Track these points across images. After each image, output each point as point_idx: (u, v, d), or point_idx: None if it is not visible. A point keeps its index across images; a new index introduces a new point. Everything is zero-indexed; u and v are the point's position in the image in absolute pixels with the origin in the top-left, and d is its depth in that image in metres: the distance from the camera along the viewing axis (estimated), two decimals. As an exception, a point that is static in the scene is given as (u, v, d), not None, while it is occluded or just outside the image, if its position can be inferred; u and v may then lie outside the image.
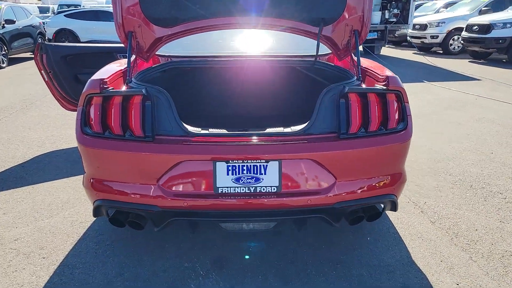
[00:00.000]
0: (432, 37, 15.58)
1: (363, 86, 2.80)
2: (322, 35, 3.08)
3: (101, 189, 2.62)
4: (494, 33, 12.87)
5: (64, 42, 17.24)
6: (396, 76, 2.72)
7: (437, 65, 13.02)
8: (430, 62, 13.69)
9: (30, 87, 9.71)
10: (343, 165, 2.52)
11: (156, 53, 3.22)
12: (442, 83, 9.89)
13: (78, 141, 2.56)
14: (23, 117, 7.12)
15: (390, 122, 2.61)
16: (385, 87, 2.62)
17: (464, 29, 14.10)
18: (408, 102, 2.69)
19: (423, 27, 15.83)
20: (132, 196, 2.55)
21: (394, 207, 2.78)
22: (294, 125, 2.65)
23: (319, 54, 3.38)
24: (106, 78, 2.70)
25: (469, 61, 13.92)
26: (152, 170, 2.48)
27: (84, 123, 2.56)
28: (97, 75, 2.80)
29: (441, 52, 16.29)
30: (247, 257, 3.07)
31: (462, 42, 14.36)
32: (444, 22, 15.37)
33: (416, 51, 17.03)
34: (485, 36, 13.01)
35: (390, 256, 3.08)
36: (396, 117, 2.64)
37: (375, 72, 2.90)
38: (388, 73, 2.83)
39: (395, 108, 2.64)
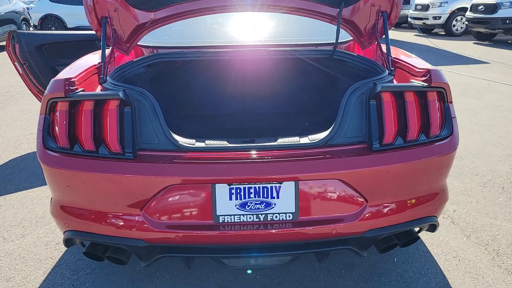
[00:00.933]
0: (435, 17, 14.95)
1: (395, 82, 2.25)
2: (342, 18, 2.52)
3: (71, 218, 2.08)
4: (501, 13, 12.28)
5: (50, 28, 16.42)
6: (438, 69, 2.17)
7: (441, 48, 12.44)
8: (434, 45, 13.10)
9: (11, 78, 9.05)
10: (377, 185, 2.00)
11: (138, 43, 2.64)
12: (450, 67, 9.34)
13: (39, 159, 2.01)
14: (0, 112, 6.51)
15: (432, 127, 2.08)
16: (426, 84, 2.08)
17: (469, 9, 13.49)
18: (452, 102, 2.16)
19: (425, 7, 15.18)
20: (110, 227, 2.02)
21: (433, 229, 2.27)
22: (311, 134, 2.11)
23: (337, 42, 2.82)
24: (74, 77, 2.13)
25: (473, 43, 13.35)
26: (134, 195, 1.95)
27: (47, 135, 2.00)
28: (63, 74, 2.24)
29: (443, 33, 15.68)
30: (254, 288, 2.56)
31: (466, 23, 13.77)
32: (447, 2, 14.72)
33: (417, 33, 16.40)
34: (491, 16, 12.42)
35: (424, 284, 2.59)
36: (439, 121, 2.11)
37: (409, 64, 2.35)
38: (427, 65, 2.28)
39: (438, 109, 2.11)
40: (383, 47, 2.52)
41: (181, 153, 1.99)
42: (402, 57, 2.50)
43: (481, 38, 13.85)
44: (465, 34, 15.09)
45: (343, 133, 2.05)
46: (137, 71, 2.50)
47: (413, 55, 2.58)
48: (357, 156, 1.99)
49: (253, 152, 1.99)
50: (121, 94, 1.95)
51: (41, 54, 4.61)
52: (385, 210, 2.06)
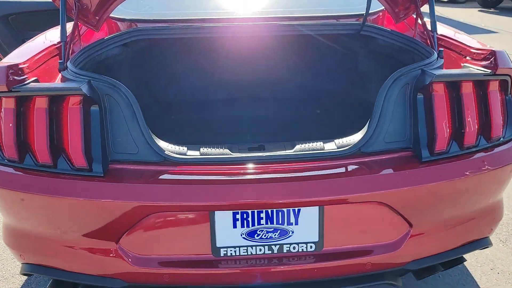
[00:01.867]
0: (438, -17, 14.19)
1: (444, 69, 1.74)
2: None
3: (28, 249, 1.60)
4: (509, -22, 11.62)
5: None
6: (503, 50, 1.67)
7: (446, 16, 11.80)
8: (439, 13, 12.43)
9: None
10: (425, 205, 1.54)
11: (111, 15, 2.09)
12: (458, 38, 8.76)
13: None
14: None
15: (494, 127, 1.60)
16: (490, 71, 1.58)
17: (475, -27, 12.76)
18: (512, 93, 1.68)
19: (428, -28, 14.38)
20: (78, 263, 1.55)
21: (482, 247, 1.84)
22: (337, 136, 1.62)
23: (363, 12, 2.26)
24: (24, 63, 1.61)
25: (478, 10, 12.70)
26: (107, 224, 1.47)
27: (-11, 142, 1.50)
28: (9, 58, 1.70)
29: (445, 0, 14.97)
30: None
31: (471, -12, 13.07)
32: (451, -34, 13.95)
33: (418, 0, 15.64)
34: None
35: (463, 305, 2.17)
36: (501, 118, 1.63)
37: (461, 43, 1.85)
38: (486, 45, 1.78)
39: (500, 103, 1.62)
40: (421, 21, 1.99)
41: (169, 166, 1.50)
42: (448, 33, 1.98)
43: (486, 5, 13.17)
44: (469, 1, 14.39)
45: (381, 137, 1.56)
46: (109, 52, 1.95)
47: (461, 31, 2.06)
48: (401, 169, 1.52)
49: (263, 164, 1.50)
50: (84, 88, 1.43)
51: (7, 25, 4.00)
52: (433, 235, 1.61)
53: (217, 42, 2.31)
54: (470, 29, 9.74)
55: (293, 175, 1.47)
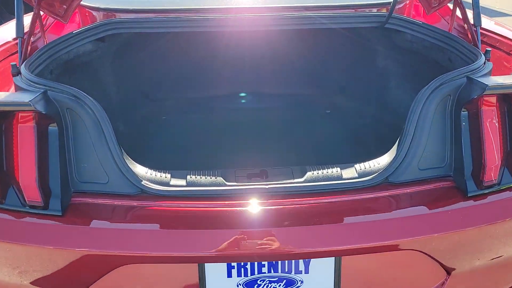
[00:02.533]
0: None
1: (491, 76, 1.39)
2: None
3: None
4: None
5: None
6: None
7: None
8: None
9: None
10: (470, 249, 1.23)
11: (83, 3, 1.72)
12: (472, 21, 8.31)
13: None
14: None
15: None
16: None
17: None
18: None
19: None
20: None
21: None
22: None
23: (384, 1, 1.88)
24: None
25: (491, -8, 12.14)
26: (67, 277, 1.16)
27: None
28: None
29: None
30: None
31: (484, -32, 12.46)
32: None
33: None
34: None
35: None
36: None
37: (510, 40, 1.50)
38: None
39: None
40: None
41: (147, 201, 1.19)
42: (491, 27, 1.63)
43: (499, -14, 12.60)
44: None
45: (415, 163, 1.24)
46: (81, 49, 1.61)
47: (505, 24, 1.71)
48: (441, 206, 1.20)
49: (267, 200, 1.18)
50: (36, 102, 1.11)
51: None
52: (474, 283, 1.31)
53: (215, 38, 1.96)
54: (483, 12, 9.27)
55: (303, 216, 1.15)
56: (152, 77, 2.33)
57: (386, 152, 1.31)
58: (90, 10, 1.81)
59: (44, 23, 1.66)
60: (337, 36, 2.15)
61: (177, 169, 1.76)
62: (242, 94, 2.61)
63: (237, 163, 1.81)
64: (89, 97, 1.22)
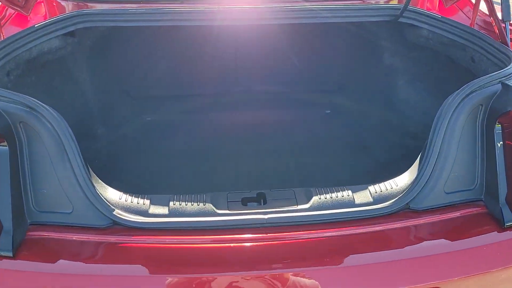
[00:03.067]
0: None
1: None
2: None
3: None
4: None
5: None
6: None
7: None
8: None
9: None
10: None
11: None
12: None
13: None
14: None
15: None
16: None
17: None
18: None
19: None
20: None
21: None
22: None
23: None
24: None
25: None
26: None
27: None
28: None
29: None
30: None
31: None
32: None
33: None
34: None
35: None
36: None
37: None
38: None
39: None
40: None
41: (120, 235, 0.98)
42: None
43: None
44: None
45: (440, 185, 1.05)
46: (45, 46, 1.36)
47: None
48: (473, 235, 1.01)
49: (265, 234, 0.98)
50: None
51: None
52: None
53: (200, 30, 1.73)
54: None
55: (310, 255, 0.95)
56: (133, 74, 2.10)
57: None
58: (58, 0, 1.57)
59: (2, 14, 1.42)
60: (340, 30, 1.94)
61: (159, 185, 1.55)
62: (233, 92, 2.40)
63: (229, 178, 1.60)
64: (48, 107, 1.00)
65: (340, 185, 1.10)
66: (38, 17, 1.54)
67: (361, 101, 2.20)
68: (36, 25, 1.31)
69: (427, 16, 1.42)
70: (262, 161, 1.72)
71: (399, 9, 1.44)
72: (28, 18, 1.52)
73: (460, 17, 1.61)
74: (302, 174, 1.60)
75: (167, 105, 2.21)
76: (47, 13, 1.57)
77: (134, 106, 2.20)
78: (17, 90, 1.45)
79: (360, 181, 1.57)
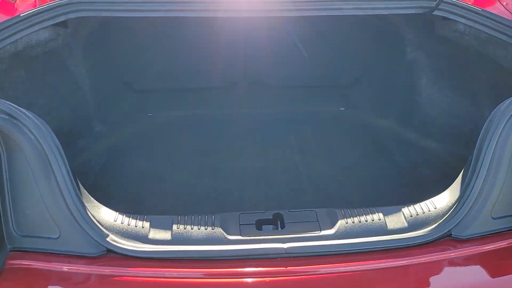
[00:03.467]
0: None
1: None
2: None
3: None
4: None
5: None
6: None
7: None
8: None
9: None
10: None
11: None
12: None
13: None
14: None
15: None
16: None
17: None
18: None
19: None
20: None
21: None
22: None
23: None
24: None
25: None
26: None
27: None
28: None
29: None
30: None
31: None
32: None
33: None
34: None
35: None
36: None
37: None
38: None
39: None
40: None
41: (114, 266, 0.83)
42: None
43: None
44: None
45: (487, 210, 0.90)
46: (33, 38, 1.20)
47: None
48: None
49: (284, 267, 0.83)
50: None
51: None
52: None
53: (206, 20, 1.56)
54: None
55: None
56: (135, 66, 1.95)
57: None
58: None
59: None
60: (357, 21, 1.76)
61: (160, 190, 1.39)
62: (241, 86, 2.23)
63: (236, 183, 1.44)
64: (30, 114, 0.86)
65: (360, 195, 0.96)
66: (27, 5, 1.38)
67: (378, 98, 2.04)
68: (22, 15, 1.15)
69: (465, 8, 1.25)
70: (272, 165, 1.57)
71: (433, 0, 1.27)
72: (15, 6, 1.36)
73: (499, 10, 1.43)
74: (316, 181, 1.44)
75: (170, 99, 2.06)
76: (36, 0, 1.40)
77: (135, 101, 2.04)
78: (4, 87, 1.31)
79: (381, 189, 1.43)
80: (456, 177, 1.49)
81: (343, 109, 2.04)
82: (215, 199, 1.36)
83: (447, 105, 1.70)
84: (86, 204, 0.87)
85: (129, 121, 1.89)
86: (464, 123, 1.65)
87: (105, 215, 0.90)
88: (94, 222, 0.84)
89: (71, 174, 0.86)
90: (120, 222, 0.88)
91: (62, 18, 1.20)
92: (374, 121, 1.93)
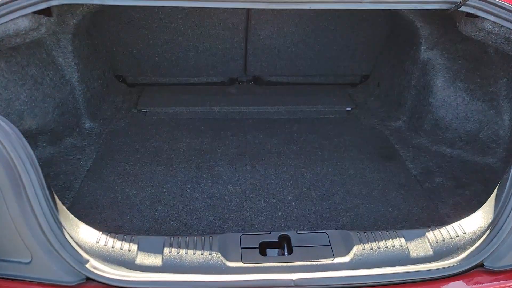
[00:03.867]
0: None
1: None
2: None
3: None
4: None
5: None
6: None
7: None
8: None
9: None
10: None
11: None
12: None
13: None
14: None
15: None
16: None
17: None
18: None
19: None
20: None
21: None
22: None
23: None
24: None
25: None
26: None
27: None
28: None
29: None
30: None
31: None
32: None
33: None
34: None
35: None
36: None
37: None
38: None
39: None
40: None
41: None
42: None
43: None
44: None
45: None
46: (10, 27, 1.05)
47: None
48: None
49: None
50: None
51: None
52: None
53: (207, 13, 1.43)
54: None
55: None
56: (128, 58, 1.81)
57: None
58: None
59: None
60: (367, 14, 1.64)
61: (152, 201, 1.26)
62: (241, 82, 2.11)
63: (235, 192, 1.31)
64: (15, 129, 0.73)
65: (368, 205, 0.84)
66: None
67: (387, 99, 1.92)
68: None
69: (497, 5, 1.13)
70: (273, 169, 1.44)
71: (460, -6, 1.14)
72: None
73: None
74: (321, 189, 1.33)
75: (165, 95, 1.93)
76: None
77: (128, 96, 1.91)
78: None
79: (391, 199, 1.31)
80: (472, 187, 1.38)
81: (350, 109, 1.91)
82: (212, 207, 1.23)
83: (463, 109, 1.59)
84: (63, 223, 0.75)
85: (121, 117, 1.76)
86: (481, 128, 1.54)
87: (85, 235, 0.77)
88: (71, 245, 0.72)
89: (46, 188, 0.74)
90: (103, 244, 0.76)
91: (43, 5, 1.07)
92: (383, 123, 1.80)
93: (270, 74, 2.03)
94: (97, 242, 0.77)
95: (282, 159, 1.50)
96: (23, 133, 0.71)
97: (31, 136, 1.41)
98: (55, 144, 1.51)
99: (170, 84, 2.01)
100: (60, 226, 0.73)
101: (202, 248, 0.78)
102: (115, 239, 0.78)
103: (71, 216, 0.79)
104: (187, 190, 1.32)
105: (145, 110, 1.82)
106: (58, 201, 0.77)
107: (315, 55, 1.94)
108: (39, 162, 0.74)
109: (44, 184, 0.73)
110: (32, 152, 0.74)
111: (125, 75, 1.97)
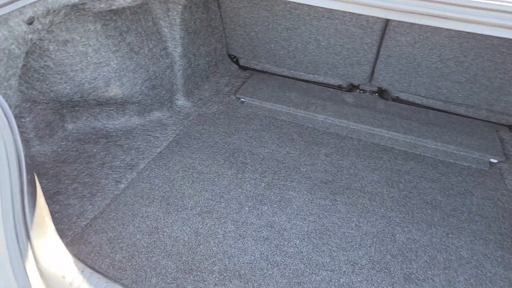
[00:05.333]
0: None
1: None
2: None
3: None
4: None
5: None
6: None
7: None
8: None
9: None
10: None
11: None
12: None
13: None
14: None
15: None
16: None
17: None
18: None
19: None
20: None
21: None
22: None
23: None
24: None
25: None
26: None
27: None
28: None
29: None
30: None
31: None
32: None
33: None
34: None
35: None
36: None
37: None
38: None
39: None
40: None
41: None
42: None
43: None
44: None
45: None
46: None
47: None
48: None
49: None
50: None
51: None
52: None
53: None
54: None
55: None
56: (245, 39, 1.66)
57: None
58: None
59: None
60: None
61: (199, 218, 1.05)
62: (364, 90, 1.78)
63: (298, 244, 1.02)
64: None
65: None
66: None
67: None
68: None
69: None
70: (357, 217, 1.12)
71: None
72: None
73: None
74: (412, 264, 0.98)
75: (269, 86, 1.73)
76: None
77: (233, 79, 1.77)
78: (73, 40, 1.14)
79: None
80: None
81: (496, 161, 1.43)
82: (264, 241, 1.04)
83: None
84: (33, 242, 0.60)
85: (216, 101, 1.63)
86: None
87: (51, 265, 0.62)
88: (28, 278, 0.57)
89: (18, 201, 0.59)
90: (69, 283, 0.60)
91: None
92: None
93: (401, 90, 1.66)
94: (63, 277, 0.61)
95: (374, 204, 1.18)
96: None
97: (119, 103, 1.36)
98: (142, 116, 1.45)
99: (281, 75, 1.81)
100: (20, 251, 0.58)
101: None
102: (83, 279, 0.61)
103: (52, 232, 0.64)
104: (246, 209, 1.12)
105: (243, 100, 1.66)
106: (36, 214, 0.63)
107: (468, 80, 1.51)
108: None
109: (25, 192, 0.59)
110: (22, 151, 0.60)
111: (239, 56, 1.83)
